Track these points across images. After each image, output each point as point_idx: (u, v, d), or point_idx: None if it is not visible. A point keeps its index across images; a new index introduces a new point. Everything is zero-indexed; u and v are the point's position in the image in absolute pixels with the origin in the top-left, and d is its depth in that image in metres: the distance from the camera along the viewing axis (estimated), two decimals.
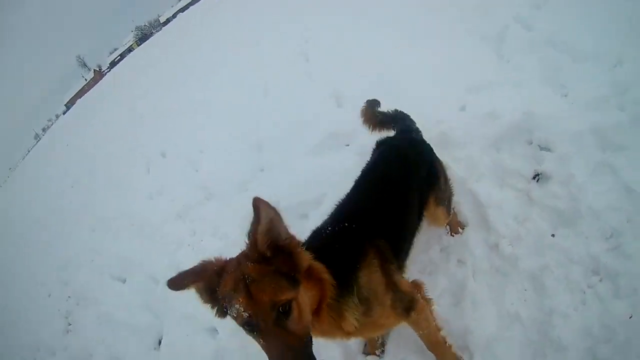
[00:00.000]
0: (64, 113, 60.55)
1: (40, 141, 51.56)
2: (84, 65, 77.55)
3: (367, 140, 3.93)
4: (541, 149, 3.22)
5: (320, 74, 5.87)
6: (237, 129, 5.80)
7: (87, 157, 11.31)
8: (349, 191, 2.39)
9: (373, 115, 3.31)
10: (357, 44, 6.08)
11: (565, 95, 3.57)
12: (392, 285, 2.05)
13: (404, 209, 2.38)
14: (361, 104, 3.74)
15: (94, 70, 70.39)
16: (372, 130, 3.32)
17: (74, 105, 47.79)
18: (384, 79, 4.90)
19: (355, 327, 1.91)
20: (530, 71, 4.01)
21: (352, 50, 5.99)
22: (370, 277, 1.97)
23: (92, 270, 5.84)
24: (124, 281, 5.09)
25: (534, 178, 3.13)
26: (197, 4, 42.97)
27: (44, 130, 70.22)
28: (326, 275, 1.73)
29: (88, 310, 5.21)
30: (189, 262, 4.01)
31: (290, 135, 4.93)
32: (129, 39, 71.65)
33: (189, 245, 4.64)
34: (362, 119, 3.38)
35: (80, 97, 53.72)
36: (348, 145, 4.39)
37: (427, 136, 3.17)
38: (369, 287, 1.95)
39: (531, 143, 3.31)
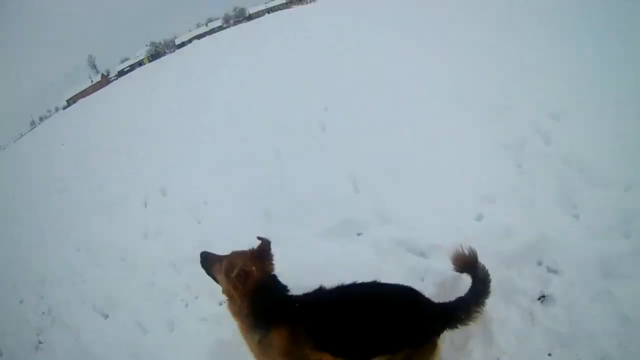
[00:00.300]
0: (64, 108, 60.46)
1: (35, 129, 51.32)
2: (94, 66, 77.84)
3: (381, 235, 4.26)
4: (549, 271, 3.47)
5: (338, 150, 5.90)
6: (244, 186, 5.77)
7: (81, 165, 11.12)
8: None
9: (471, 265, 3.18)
10: (376, 127, 6.13)
11: (576, 217, 3.81)
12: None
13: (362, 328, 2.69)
14: (378, 194, 4.34)
15: (102, 74, 70.64)
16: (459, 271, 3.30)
17: (75, 104, 47.88)
18: (403, 172, 4.99)
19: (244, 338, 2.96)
20: (544, 188, 4.19)
21: (371, 132, 6.02)
22: (276, 340, 2.71)
23: (72, 292, 5.68)
24: (107, 317, 4.98)
25: (539, 299, 3.36)
26: (213, 35, 44.12)
27: (40, 119, 69.81)
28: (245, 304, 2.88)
29: (63, 335, 5.11)
30: (182, 318, 4.17)
31: (302, 210, 4.90)
32: (142, 52, 72.26)
33: (182, 300, 4.59)
34: (456, 262, 3.26)
35: (82, 97, 53.79)
36: (360, 234, 4.41)
37: (443, 245, 3.62)
38: (269, 344, 2.76)
39: (540, 264, 3.53)
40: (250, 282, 2.87)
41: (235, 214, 5.33)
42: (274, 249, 3.25)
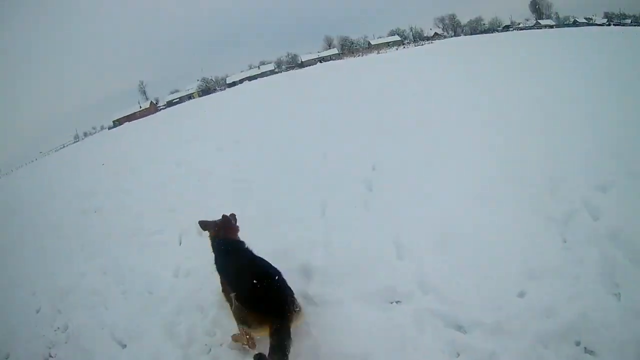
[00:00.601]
0: (109, 128, 62.19)
1: (77, 143, 52.68)
2: (144, 92, 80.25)
3: (421, 305, 4.21)
4: (586, 351, 3.36)
5: (382, 212, 5.86)
6: (285, 239, 5.71)
7: (118, 188, 11.21)
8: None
9: None
10: (424, 191, 6.15)
11: (617, 296, 3.71)
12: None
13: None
14: (421, 262, 4.43)
15: (151, 101, 72.75)
16: None
17: (121, 126, 49.00)
18: (448, 241, 4.92)
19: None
20: (589, 265, 4.08)
21: (418, 196, 6.02)
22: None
23: (91, 315, 5.54)
24: (124, 347, 4.86)
25: None
26: (263, 78, 45.58)
27: (85, 134, 71.80)
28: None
29: (75, 355, 4.97)
30: None
31: (342, 271, 4.83)
32: (192, 87, 74.47)
33: (205, 344, 4.49)
34: None
35: (128, 120, 55.24)
36: (400, 302, 4.34)
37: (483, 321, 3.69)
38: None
39: (579, 344, 3.42)
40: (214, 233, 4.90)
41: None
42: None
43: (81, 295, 6.13)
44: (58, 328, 5.64)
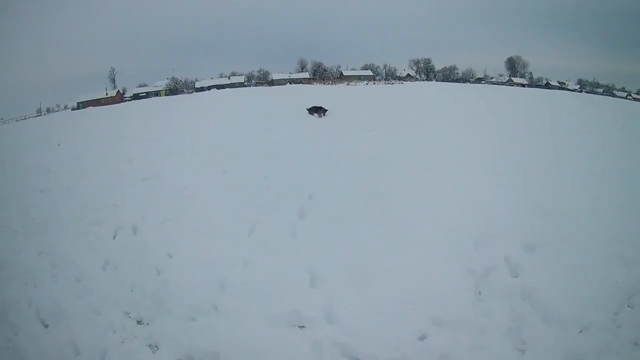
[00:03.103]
0: (72, 109, 60.75)
1: (39, 117, 51.59)
2: (113, 80, 78.59)
3: (323, 334, 4.56)
4: None
5: (307, 240, 6.29)
6: (207, 249, 6.15)
7: (68, 172, 11.34)
8: None
9: None
10: (351, 226, 6.55)
11: (523, 352, 4.08)
12: None
13: None
14: (333, 294, 4.78)
15: (118, 90, 71.39)
16: None
17: (85, 110, 48.10)
18: (363, 277, 5.25)
19: None
20: (499, 319, 4.44)
21: (344, 230, 6.42)
22: None
23: (20, 291, 5.79)
24: (47, 326, 5.11)
25: None
26: (232, 90, 45.63)
27: (48, 110, 69.84)
28: None
29: (1, 329, 5.19)
30: None
31: (255, 290, 5.18)
32: (161, 84, 73.43)
33: (120, 336, 4.85)
34: None
35: (93, 105, 54.28)
36: (303, 327, 4.65)
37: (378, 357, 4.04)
38: None
39: None
40: None
41: (187, 282, 5.56)
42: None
43: (14, 270, 6.39)
44: None
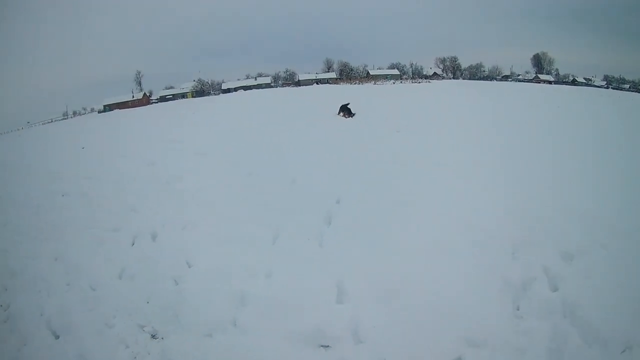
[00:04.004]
0: (99, 112, 61.83)
1: (66, 120, 52.60)
2: (139, 83, 79.49)
3: (350, 355, 4.18)
4: None
5: (335, 250, 5.83)
6: (228, 259, 5.77)
7: (90, 175, 11.03)
8: None
9: None
10: (381, 236, 6.05)
11: None
12: None
13: None
14: (361, 311, 4.36)
15: (144, 93, 72.38)
16: None
17: (111, 112, 48.74)
18: (393, 294, 4.78)
19: None
20: (538, 339, 4.05)
21: (375, 241, 5.94)
22: None
23: (33, 300, 5.46)
24: (57, 337, 4.80)
25: None
26: (258, 91, 45.79)
27: (74, 113, 71.19)
28: None
29: (10, 338, 4.88)
30: None
31: (277, 305, 4.77)
32: (187, 86, 74.27)
33: (132, 352, 4.52)
34: None
35: (119, 108, 55.00)
36: (328, 347, 4.27)
37: None
38: None
39: None
40: None
41: (206, 294, 5.17)
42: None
43: (28, 277, 6.09)
44: (0, 305, 5.63)
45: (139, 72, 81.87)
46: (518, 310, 4.48)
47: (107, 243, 6.78)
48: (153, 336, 4.73)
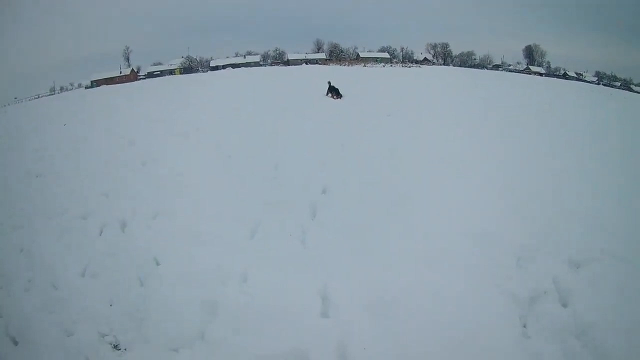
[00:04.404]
0: (86, 87, 61.00)
1: (52, 96, 52.03)
2: (127, 58, 78.45)
3: None
4: None
5: (319, 250, 5.23)
6: (197, 260, 5.16)
7: (66, 155, 10.77)
8: None
9: None
10: (373, 236, 5.44)
11: None
12: None
13: None
14: (350, 326, 3.83)
15: (132, 69, 71.34)
16: None
17: (98, 88, 48.17)
18: (387, 303, 4.25)
19: None
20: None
21: (365, 241, 5.33)
22: None
23: None
24: (16, 344, 4.32)
25: None
26: (246, 69, 45.41)
27: (61, 89, 70.52)
28: None
29: None
30: None
31: (253, 317, 4.19)
32: (175, 62, 73.39)
33: None
34: None
35: (107, 84, 54.37)
36: None
37: None
38: None
39: None
40: None
41: (173, 299, 4.61)
42: None
43: None
44: None
45: (127, 48, 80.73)
46: (524, 327, 4.01)
47: (74, 233, 6.28)
48: (115, 347, 4.23)
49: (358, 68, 42.22)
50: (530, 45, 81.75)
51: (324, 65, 48.71)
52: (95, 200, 7.25)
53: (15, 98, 56.09)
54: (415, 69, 44.40)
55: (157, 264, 5.27)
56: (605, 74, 76.25)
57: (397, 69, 43.53)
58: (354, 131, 10.88)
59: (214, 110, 15.34)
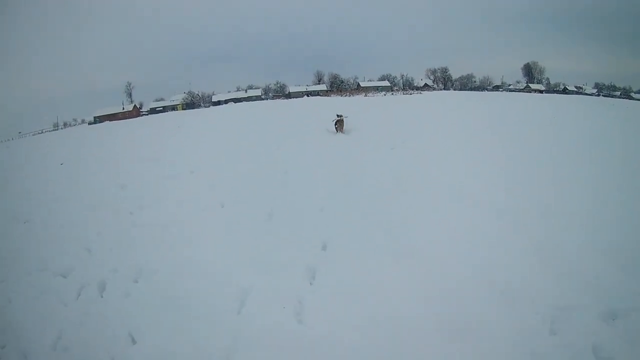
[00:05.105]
0: (89, 123, 61.56)
1: (56, 132, 52.59)
2: (129, 94, 79.10)
3: None
4: None
5: (321, 327, 4.36)
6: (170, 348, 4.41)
7: (56, 198, 10.35)
8: None
9: None
10: (384, 299, 4.65)
11: None
12: None
13: None
14: None
15: (135, 105, 72.03)
16: None
17: (101, 124, 48.59)
18: None
19: None
20: None
21: (379, 307, 4.53)
22: None
23: None
24: None
25: None
26: (248, 103, 45.68)
27: (65, 124, 71.41)
28: None
29: None
30: None
31: None
32: (177, 98, 74.14)
33: None
34: None
35: (110, 120, 54.80)
36: None
37: None
38: None
39: None
40: None
41: None
42: None
43: None
44: None
45: (129, 84, 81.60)
46: None
47: (51, 293, 5.68)
48: None
49: (359, 98, 42.20)
50: (528, 63, 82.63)
51: (325, 97, 48.81)
52: (78, 255, 6.69)
53: (20, 132, 56.89)
54: (416, 96, 44.41)
55: (133, 341, 4.58)
56: (604, 84, 76.70)
57: (398, 97, 43.53)
58: (355, 168, 10.30)
59: (211, 146, 15.10)
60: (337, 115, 16.97)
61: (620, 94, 65.68)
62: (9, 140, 46.28)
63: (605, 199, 7.03)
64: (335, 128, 16.51)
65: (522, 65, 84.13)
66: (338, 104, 28.07)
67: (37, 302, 5.51)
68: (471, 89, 72.95)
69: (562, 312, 4.22)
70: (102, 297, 5.49)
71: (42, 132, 54.65)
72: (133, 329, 4.69)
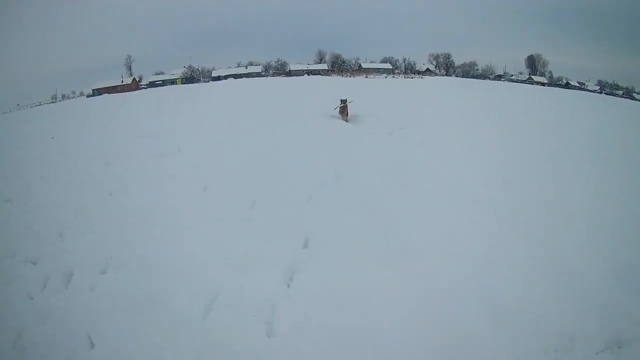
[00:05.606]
0: (87, 96, 61.03)
1: (54, 104, 52.09)
2: (129, 67, 78.55)
3: None
4: None
5: (295, 344, 3.99)
6: None
7: (40, 176, 9.89)
8: None
9: None
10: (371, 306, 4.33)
11: None
12: None
13: None
14: None
15: (134, 78, 71.31)
16: None
17: (99, 97, 48.07)
18: None
19: None
20: None
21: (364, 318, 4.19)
22: None
23: None
24: None
25: None
26: (247, 80, 45.14)
27: (63, 96, 70.86)
28: None
29: None
30: None
31: None
32: (177, 72, 73.49)
33: None
34: None
35: (108, 92, 54.27)
36: None
37: None
38: None
39: None
40: None
41: None
42: None
43: None
44: None
45: (129, 57, 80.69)
46: None
47: (17, 283, 5.36)
48: None
49: (360, 79, 41.66)
50: (532, 55, 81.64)
51: (326, 76, 48.22)
52: (49, 241, 6.33)
53: (18, 105, 56.39)
54: (418, 80, 43.84)
55: (92, 345, 4.24)
56: (607, 82, 76.15)
57: (399, 80, 43.07)
58: (351, 153, 9.93)
59: (204, 123, 14.71)
60: (341, 101, 15.53)
61: (623, 94, 65.27)
62: (6, 112, 45.78)
63: (605, 199, 6.80)
64: (340, 114, 15.35)
65: (525, 57, 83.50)
66: (338, 83, 27.56)
67: (2, 295, 5.18)
68: (473, 77, 72.36)
69: (565, 341, 3.91)
70: (67, 288, 5.16)
71: (40, 104, 54.04)
72: (92, 330, 4.37)
